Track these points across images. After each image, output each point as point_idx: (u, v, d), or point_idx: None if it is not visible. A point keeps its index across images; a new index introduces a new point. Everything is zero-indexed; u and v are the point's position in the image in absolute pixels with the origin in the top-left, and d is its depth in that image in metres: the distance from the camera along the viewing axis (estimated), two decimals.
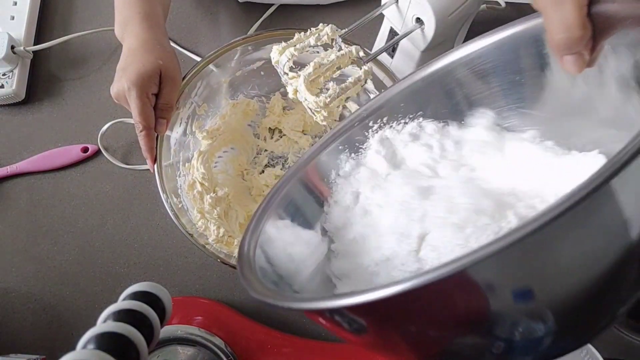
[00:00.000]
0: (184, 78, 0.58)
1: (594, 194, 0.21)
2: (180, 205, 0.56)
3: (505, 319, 0.27)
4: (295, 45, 0.48)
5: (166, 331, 0.55)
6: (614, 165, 0.21)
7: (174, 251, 0.63)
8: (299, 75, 0.47)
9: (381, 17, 0.59)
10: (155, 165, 0.55)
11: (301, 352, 0.57)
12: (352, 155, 0.48)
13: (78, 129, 0.69)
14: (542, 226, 0.21)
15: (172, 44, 0.64)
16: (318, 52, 0.50)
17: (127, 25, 0.56)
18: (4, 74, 0.68)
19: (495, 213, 0.38)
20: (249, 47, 0.60)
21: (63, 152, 0.67)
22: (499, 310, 0.27)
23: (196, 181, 0.59)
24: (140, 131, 0.54)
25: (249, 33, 0.71)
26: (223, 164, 0.64)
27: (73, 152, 0.67)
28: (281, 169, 0.65)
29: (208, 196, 0.58)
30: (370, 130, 0.48)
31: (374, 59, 0.52)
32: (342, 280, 0.41)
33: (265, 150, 0.66)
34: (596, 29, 0.29)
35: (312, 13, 0.72)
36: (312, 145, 0.54)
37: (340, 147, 0.48)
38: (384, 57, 0.62)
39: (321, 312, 0.31)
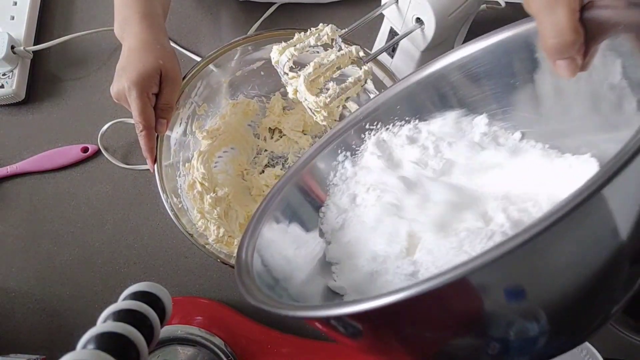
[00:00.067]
0: (184, 78, 0.58)
1: (587, 202, 0.22)
2: (180, 205, 0.56)
3: (499, 320, 0.28)
4: (295, 45, 0.48)
5: (166, 331, 0.55)
6: (605, 173, 0.22)
7: (174, 251, 0.63)
8: (299, 75, 0.47)
9: (381, 17, 0.59)
10: (156, 165, 0.55)
11: (301, 352, 0.57)
12: (349, 157, 0.48)
13: (78, 129, 0.69)
14: (538, 234, 0.22)
15: (172, 44, 0.64)
16: (318, 52, 0.50)
17: (127, 25, 0.56)
18: (4, 74, 0.68)
19: (487, 216, 0.38)
20: (249, 47, 0.60)
21: (63, 152, 0.67)
22: (493, 312, 0.27)
23: (196, 181, 0.59)
24: (141, 131, 0.54)
25: (249, 33, 0.71)
26: (223, 164, 0.64)
27: (73, 152, 0.67)
28: (281, 169, 0.65)
29: (208, 196, 0.58)
30: (366, 132, 0.48)
31: (374, 59, 0.52)
32: (339, 282, 0.41)
33: (265, 150, 0.66)
34: (589, 33, 0.30)
35: (312, 13, 0.73)
36: (311, 146, 0.54)
37: (337, 150, 0.48)
38: (384, 57, 0.62)
39: (319, 320, 0.31)
